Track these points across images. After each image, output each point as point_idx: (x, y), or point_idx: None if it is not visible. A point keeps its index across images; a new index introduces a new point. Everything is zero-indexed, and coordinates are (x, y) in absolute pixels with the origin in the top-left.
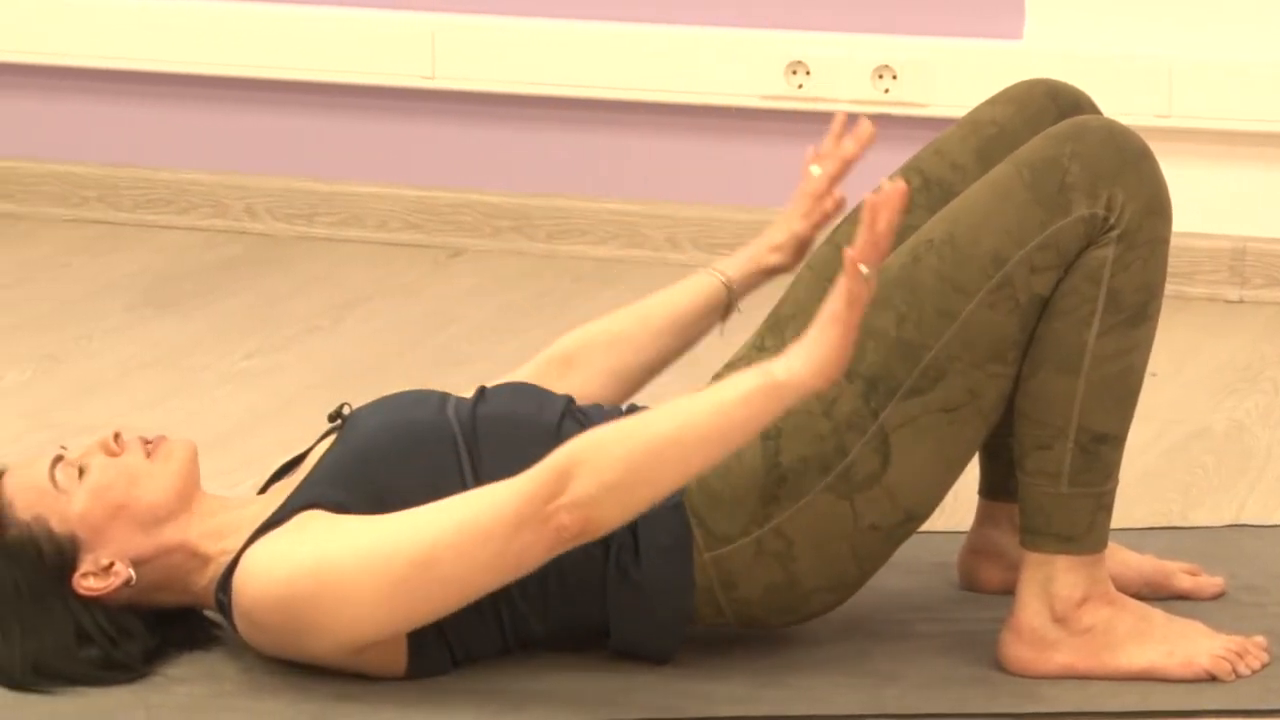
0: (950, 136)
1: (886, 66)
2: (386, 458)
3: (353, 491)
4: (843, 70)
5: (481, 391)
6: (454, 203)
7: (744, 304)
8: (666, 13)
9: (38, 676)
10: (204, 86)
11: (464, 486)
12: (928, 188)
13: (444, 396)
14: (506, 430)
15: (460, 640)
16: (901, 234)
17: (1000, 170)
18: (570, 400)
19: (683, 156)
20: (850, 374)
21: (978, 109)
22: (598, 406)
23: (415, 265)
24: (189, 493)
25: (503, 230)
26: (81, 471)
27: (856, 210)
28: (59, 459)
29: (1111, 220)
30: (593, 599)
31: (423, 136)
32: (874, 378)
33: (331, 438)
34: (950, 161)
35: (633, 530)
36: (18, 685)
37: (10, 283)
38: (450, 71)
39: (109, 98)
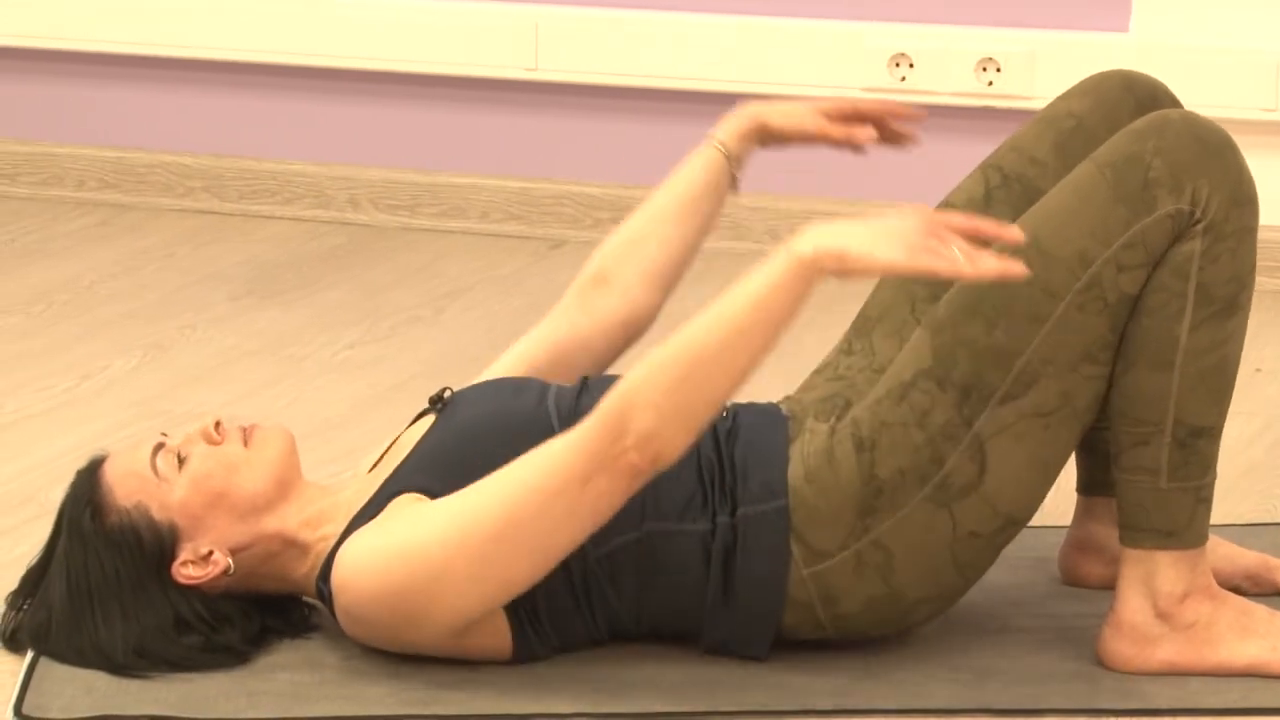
0: (1026, 133)
1: (990, 59)
2: (483, 449)
3: (448, 482)
4: (946, 63)
5: (584, 382)
6: (555, 194)
7: (825, 310)
8: (770, 5)
9: (140, 659)
10: (308, 78)
11: None
12: (1007, 184)
13: (545, 386)
14: None
15: (558, 632)
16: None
17: (1082, 170)
18: None
19: (784, 149)
20: (943, 383)
21: (1053, 104)
22: None
23: (516, 256)
24: (287, 480)
25: (603, 222)
26: (182, 460)
27: (950, 204)
28: (160, 446)
29: (1197, 214)
30: (688, 599)
31: (525, 128)
32: (967, 386)
33: (429, 419)
34: (1029, 157)
35: (734, 527)
36: (119, 669)
37: (118, 272)
38: (553, 63)
39: (215, 89)
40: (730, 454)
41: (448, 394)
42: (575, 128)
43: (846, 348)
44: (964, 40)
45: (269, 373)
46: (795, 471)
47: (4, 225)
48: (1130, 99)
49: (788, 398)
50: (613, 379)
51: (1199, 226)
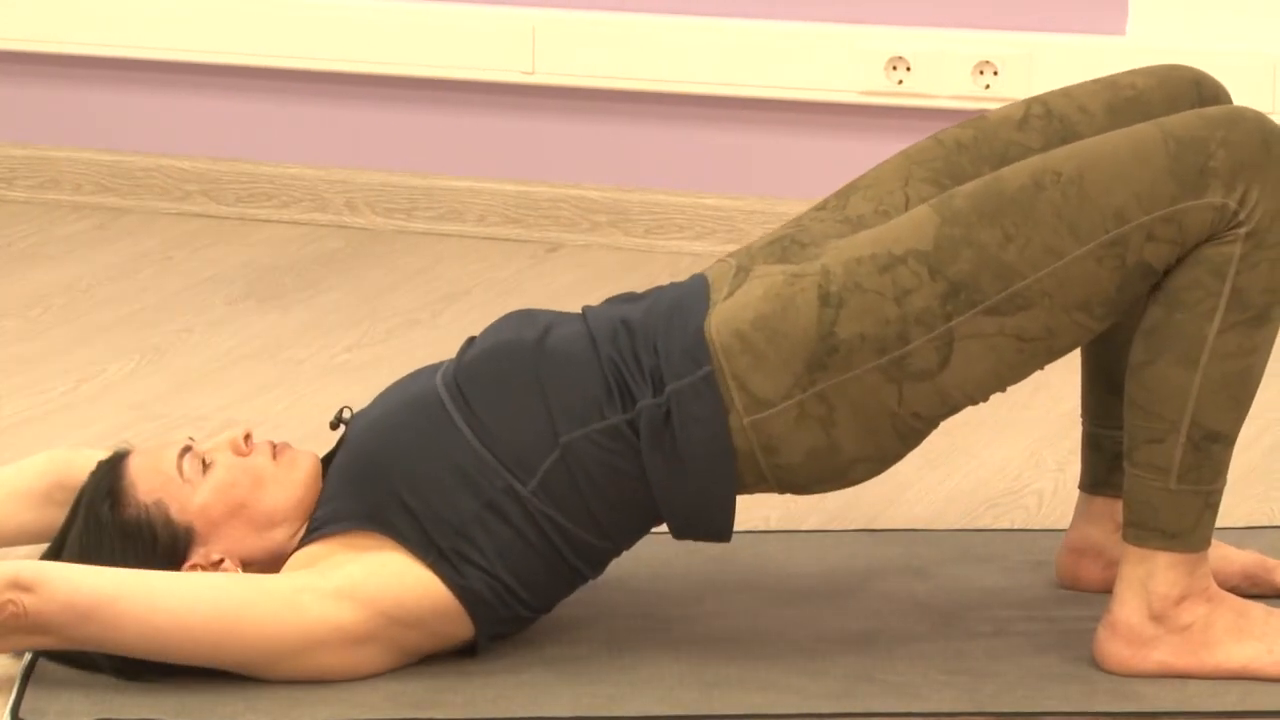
0: (1084, 86)
1: (987, 62)
2: (383, 453)
3: (367, 497)
4: (943, 66)
5: (469, 342)
6: (552, 197)
7: None
8: (767, 8)
9: (140, 665)
10: (306, 81)
11: (466, 442)
12: (1048, 118)
13: (438, 365)
14: (489, 367)
15: (528, 588)
16: (1006, 149)
17: (1145, 131)
18: (557, 314)
19: (781, 151)
20: (935, 273)
21: (1117, 74)
22: (590, 306)
23: (513, 259)
24: (306, 505)
25: (600, 225)
26: (207, 466)
27: (984, 115)
28: (187, 449)
29: (1241, 216)
30: (636, 491)
31: (522, 131)
32: (959, 284)
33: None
34: (1078, 105)
35: (664, 407)
36: (120, 672)
37: (115, 275)
38: (550, 67)
39: (212, 92)
40: (650, 342)
41: (346, 414)
42: (572, 131)
43: (821, 205)
44: (961, 43)
45: (267, 376)
46: (740, 317)
47: (1, 229)
48: (1195, 92)
49: (737, 250)
50: (499, 322)
51: (1240, 230)
